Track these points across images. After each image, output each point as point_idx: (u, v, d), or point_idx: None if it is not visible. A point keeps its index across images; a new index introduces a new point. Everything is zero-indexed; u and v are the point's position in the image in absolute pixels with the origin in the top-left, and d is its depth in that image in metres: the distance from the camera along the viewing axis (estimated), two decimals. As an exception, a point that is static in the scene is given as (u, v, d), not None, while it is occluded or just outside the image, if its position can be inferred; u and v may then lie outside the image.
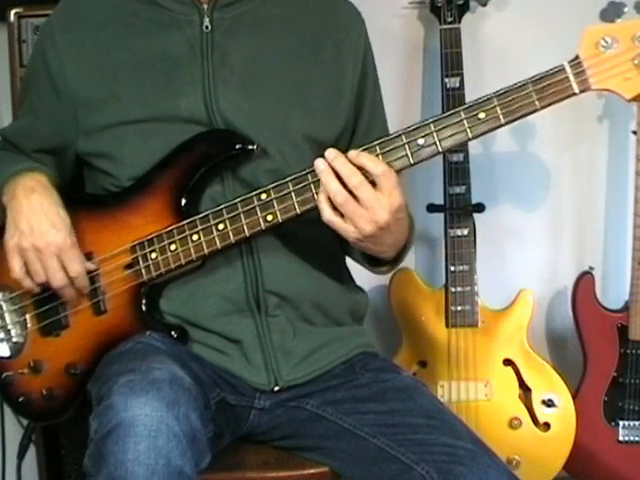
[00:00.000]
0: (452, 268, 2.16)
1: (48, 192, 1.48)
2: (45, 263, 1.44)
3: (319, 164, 1.35)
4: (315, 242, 1.55)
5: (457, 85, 2.12)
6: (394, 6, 2.28)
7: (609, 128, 2.33)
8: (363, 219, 1.33)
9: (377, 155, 1.36)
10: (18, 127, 1.65)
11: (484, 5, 2.19)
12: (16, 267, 1.46)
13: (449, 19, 2.13)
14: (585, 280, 2.24)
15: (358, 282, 1.69)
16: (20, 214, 1.45)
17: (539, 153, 2.34)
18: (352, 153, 1.35)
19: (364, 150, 1.36)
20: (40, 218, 1.44)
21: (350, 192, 1.33)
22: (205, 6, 1.51)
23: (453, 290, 2.16)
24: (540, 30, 2.27)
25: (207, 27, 1.51)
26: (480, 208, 2.16)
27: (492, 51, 2.29)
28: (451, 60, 2.12)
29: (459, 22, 2.13)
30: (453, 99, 2.11)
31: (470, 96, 2.10)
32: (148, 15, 1.52)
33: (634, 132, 2.16)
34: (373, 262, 1.53)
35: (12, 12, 1.92)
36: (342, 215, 1.35)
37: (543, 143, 2.33)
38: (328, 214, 1.35)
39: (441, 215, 2.17)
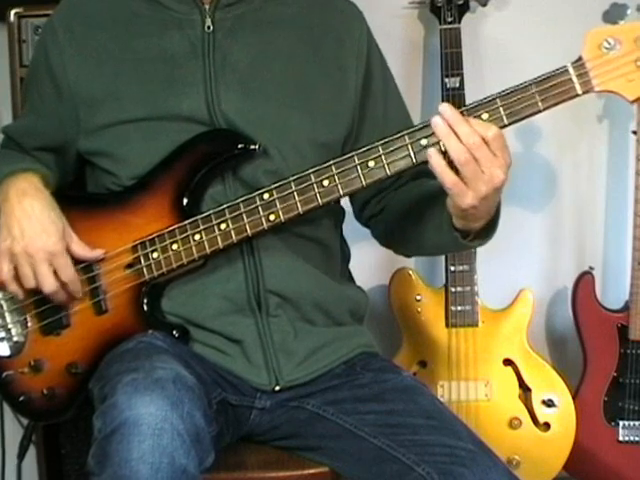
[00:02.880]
0: (452, 268, 2.15)
1: (41, 194, 1.48)
2: (36, 268, 1.44)
3: (438, 124, 1.31)
4: (316, 242, 1.55)
5: (457, 85, 2.12)
6: (394, 6, 2.28)
7: (609, 128, 2.33)
8: (482, 180, 1.30)
9: (380, 155, 1.36)
10: (20, 125, 1.65)
11: (484, 5, 2.19)
12: (4, 269, 1.45)
13: (449, 19, 2.14)
14: (585, 280, 2.24)
15: (358, 282, 1.69)
16: (12, 218, 1.45)
17: (539, 153, 2.34)
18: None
19: (366, 151, 1.36)
20: (32, 222, 1.44)
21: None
22: (207, 6, 1.51)
23: (453, 290, 2.16)
24: (540, 30, 2.28)
25: (209, 27, 1.51)
26: (480, 208, 2.16)
27: (492, 51, 2.29)
28: (451, 60, 2.12)
29: (459, 22, 2.14)
30: (453, 99, 2.11)
31: (470, 96, 2.10)
32: (150, 14, 1.52)
33: (634, 132, 2.16)
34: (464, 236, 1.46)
35: (12, 12, 1.92)
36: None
37: (543, 143, 2.32)
38: (452, 179, 1.30)
39: (441, 215, 2.17)
